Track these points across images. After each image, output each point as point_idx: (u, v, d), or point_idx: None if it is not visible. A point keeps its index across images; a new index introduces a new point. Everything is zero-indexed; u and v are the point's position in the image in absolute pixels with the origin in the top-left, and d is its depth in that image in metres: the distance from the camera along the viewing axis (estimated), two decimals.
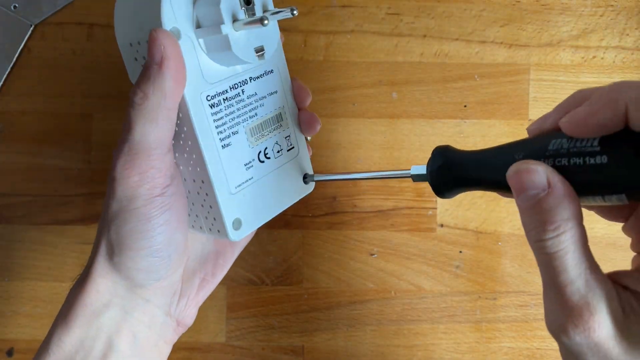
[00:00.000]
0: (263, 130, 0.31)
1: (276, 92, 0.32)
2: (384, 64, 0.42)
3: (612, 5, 0.42)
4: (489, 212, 0.42)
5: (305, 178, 0.34)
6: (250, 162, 0.31)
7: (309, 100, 0.34)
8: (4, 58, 0.40)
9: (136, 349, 0.30)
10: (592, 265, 0.21)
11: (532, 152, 0.23)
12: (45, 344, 0.29)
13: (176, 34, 0.27)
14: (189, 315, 0.33)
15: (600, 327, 0.20)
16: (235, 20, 0.27)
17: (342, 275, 0.42)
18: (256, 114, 0.31)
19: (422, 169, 0.28)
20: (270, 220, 0.42)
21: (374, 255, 0.42)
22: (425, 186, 0.42)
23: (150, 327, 0.31)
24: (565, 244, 0.21)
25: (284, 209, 0.33)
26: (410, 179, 0.30)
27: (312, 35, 0.42)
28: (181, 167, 0.30)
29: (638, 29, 0.42)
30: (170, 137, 0.28)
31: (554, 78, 0.42)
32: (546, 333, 0.43)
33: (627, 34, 0.42)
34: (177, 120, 0.29)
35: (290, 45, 0.41)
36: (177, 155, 0.30)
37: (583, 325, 0.20)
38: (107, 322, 0.29)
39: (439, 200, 0.42)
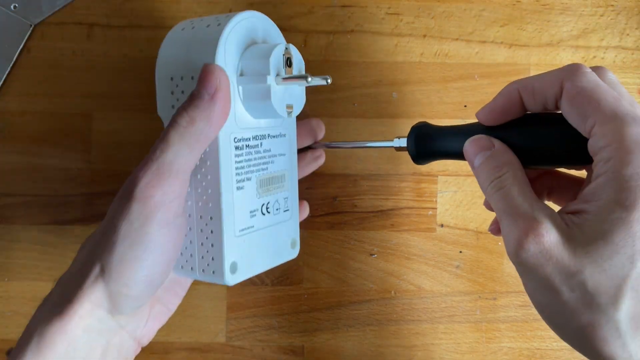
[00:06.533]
0: (269, 185, 0.34)
1: (284, 154, 0.35)
2: (384, 63, 0.42)
3: (612, 5, 0.42)
4: (488, 212, 0.42)
5: (293, 244, 0.36)
6: (254, 210, 0.33)
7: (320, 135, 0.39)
8: (3, 58, 0.40)
9: None
10: (534, 197, 0.26)
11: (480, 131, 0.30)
12: None
13: None
14: (149, 337, 0.33)
15: (548, 233, 0.24)
16: (278, 74, 0.31)
17: (342, 275, 0.42)
18: (267, 168, 0.34)
19: (402, 141, 0.34)
20: None
21: (374, 255, 0.42)
22: (426, 186, 0.42)
23: (119, 352, 0.31)
24: (509, 180, 0.27)
25: (271, 266, 0.34)
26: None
27: (312, 35, 0.42)
28: (189, 202, 0.31)
29: (638, 29, 0.42)
30: (193, 167, 0.29)
31: None
32: (546, 333, 0.43)
33: (627, 34, 0.42)
34: (204, 154, 0.30)
35: None
36: (189, 189, 0.30)
37: (533, 233, 0.24)
38: (83, 347, 0.28)
39: (439, 200, 0.42)
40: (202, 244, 0.31)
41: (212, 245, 0.30)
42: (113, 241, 0.27)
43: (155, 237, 0.27)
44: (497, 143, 0.29)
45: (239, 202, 0.31)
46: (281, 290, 0.42)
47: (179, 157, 0.27)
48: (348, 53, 0.42)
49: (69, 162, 0.41)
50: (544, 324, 0.27)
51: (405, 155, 0.42)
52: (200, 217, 0.31)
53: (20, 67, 0.41)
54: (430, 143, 0.32)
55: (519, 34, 0.42)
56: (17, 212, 0.41)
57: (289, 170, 0.36)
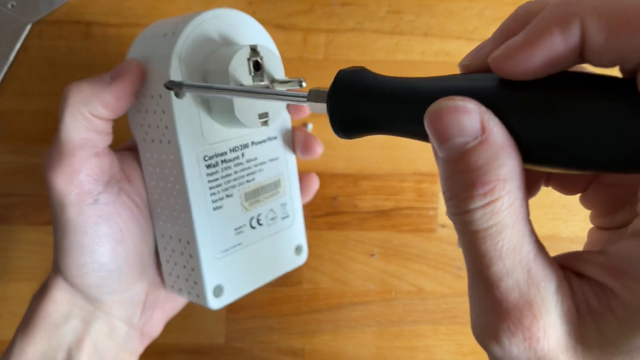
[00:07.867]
0: (259, 196, 0.31)
1: (277, 158, 0.31)
2: (385, 62, 0.42)
3: None
4: None
5: (298, 250, 0.34)
6: (241, 227, 0.30)
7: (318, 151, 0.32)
8: (0, 57, 0.40)
9: (97, 358, 0.30)
10: (536, 247, 0.16)
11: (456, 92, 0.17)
12: (7, 354, 0.28)
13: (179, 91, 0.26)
14: (154, 326, 0.32)
15: (547, 335, 0.15)
16: (240, 85, 0.26)
17: (342, 276, 0.42)
18: (254, 179, 0.30)
19: (322, 96, 0.21)
20: None
21: (374, 256, 0.42)
22: (427, 186, 0.42)
23: (111, 338, 0.30)
24: (501, 216, 0.15)
25: (271, 279, 0.32)
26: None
27: (312, 34, 0.41)
28: (169, 225, 0.29)
29: None
30: (104, 142, 0.27)
31: None
32: None
33: None
34: (171, 177, 0.28)
35: (290, 43, 0.41)
36: (166, 211, 0.29)
37: (523, 333, 0.15)
38: (68, 332, 0.28)
39: (440, 200, 0.42)
40: (184, 266, 0.29)
41: (192, 269, 0.29)
42: (53, 233, 0.28)
43: (79, 221, 0.26)
44: (492, 125, 0.16)
45: (217, 223, 0.28)
46: (281, 291, 0.42)
47: (71, 132, 0.26)
48: (348, 51, 0.41)
49: None
50: None
51: (406, 155, 0.42)
52: (179, 240, 0.29)
53: (18, 66, 0.40)
54: (363, 105, 0.20)
55: None
56: (15, 212, 0.41)
57: (285, 173, 0.32)
